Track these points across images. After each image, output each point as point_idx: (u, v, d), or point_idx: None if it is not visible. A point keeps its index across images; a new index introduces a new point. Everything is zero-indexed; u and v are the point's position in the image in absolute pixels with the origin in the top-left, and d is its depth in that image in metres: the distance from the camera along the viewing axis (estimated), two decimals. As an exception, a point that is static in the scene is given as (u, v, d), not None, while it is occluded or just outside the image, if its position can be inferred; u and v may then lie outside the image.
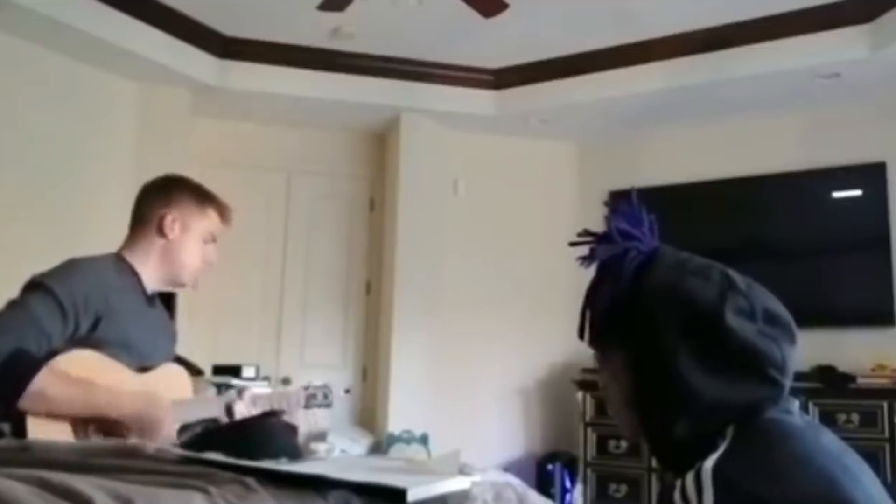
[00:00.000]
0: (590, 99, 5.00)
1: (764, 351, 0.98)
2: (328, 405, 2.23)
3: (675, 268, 1.04)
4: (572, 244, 1.13)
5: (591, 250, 1.10)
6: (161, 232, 2.04)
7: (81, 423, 1.78)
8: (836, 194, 4.79)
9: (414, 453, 4.73)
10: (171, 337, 2.22)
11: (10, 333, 1.72)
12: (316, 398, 2.21)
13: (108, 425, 1.80)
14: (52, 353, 1.77)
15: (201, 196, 2.11)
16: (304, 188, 5.56)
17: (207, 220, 2.10)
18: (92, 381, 1.79)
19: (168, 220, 2.04)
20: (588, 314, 1.11)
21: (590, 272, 1.14)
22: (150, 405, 1.83)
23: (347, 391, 2.56)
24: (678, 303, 1.01)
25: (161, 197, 2.08)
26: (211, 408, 2.02)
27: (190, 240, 2.07)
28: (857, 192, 4.73)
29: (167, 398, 1.89)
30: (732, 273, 1.04)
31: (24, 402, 1.68)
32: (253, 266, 5.24)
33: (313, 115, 5.34)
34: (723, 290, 1.00)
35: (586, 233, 1.12)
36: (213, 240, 2.12)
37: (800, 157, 4.87)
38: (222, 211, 2.13)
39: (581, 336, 1.12)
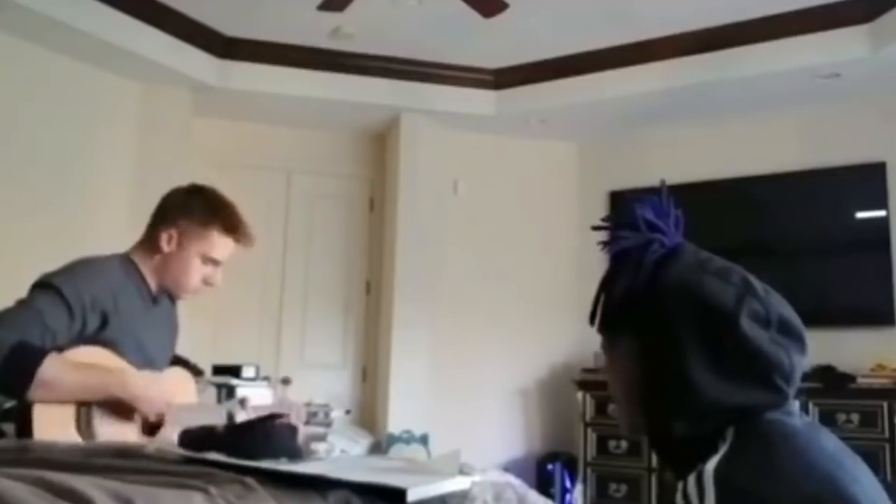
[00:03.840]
0: (590, 99, 5.00)
1: (774, 359, 0.98)
2: (328, 424, 2.24)
3: (695, 266, 1.04)
4: (596, 228, 1.12)
5: (613, 237, 1.09)
6: (158, 246, 2.03)
7: (85, 407, 1.78)
8: (837, 194, 4.79)
9: (414, 453, 4.73)
10: (175, 333, 2.23)
11: (14, 328, 1.73)
12: (317, 416, 2.21)
13: (113, 409, 1.80)
14: (59, 350, 1.78)
15: (208, 216, 2.04)
16: (304, 188, 5.56)
17: (208, 243, 2.03)
18: (100, 364, 1.81)
19: (164, 235, 2.02)
20: (602, 300, 1.11)
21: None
22: (158, 384, 1.87)
23: (349, 412, 2.56)
24: (694, 301, 1.00)
25: (172, 208, 2.06)
26: (212, 415, 2.02)
27: (185, 258, 2.03)
28: (857, 192, 4.73)
29: (170, 382, 1.92)
30: (752, 278, 1.03)
31: (34, 391, 1.69)
32: (253, 266, 5.23)
33: (313, 115, 5.34)
34: (741, 294, 1.00)
35: (609, 218, 1.11)
36: (214, 262, 2.06)
37: (800, 157, 4.87)
38: (232, 233, 2.06)
39: (592, 321, 1.12)
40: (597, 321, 1.11)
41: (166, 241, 2.02)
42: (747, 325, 0.97)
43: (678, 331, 1.00)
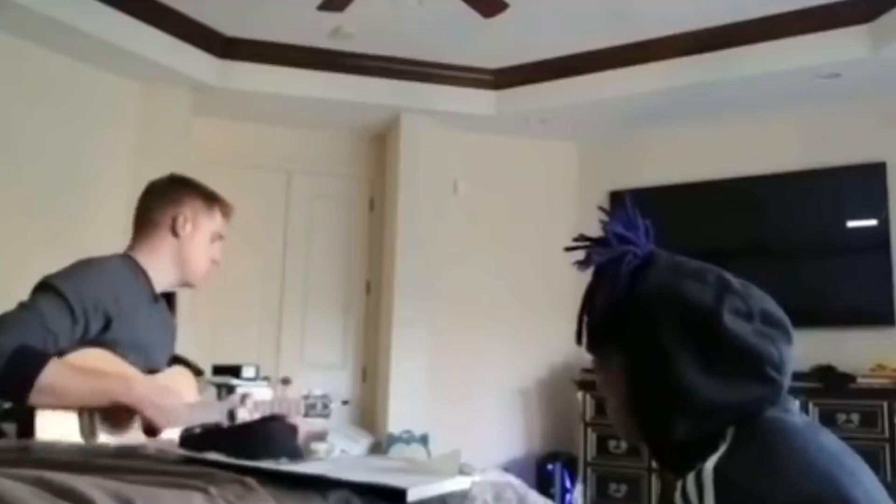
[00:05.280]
0: (590, 99, 5.00)
1: (761, 351, 0.98)
2: (326, 416, 2.24)
3: (671, 271, 1.05)
4: (568, 249, 1.13)
5: (588, 255, 1.10)
6: (174, 232, 2.04)
7: (88, 413, 1.77)
8: (836, 194, 4.78)
9: (414, 453, 4.73)
10: (172, 335, 2.22)
11: (15, 331, 1.71)
12: (315, 408, 2.22)
13: (116, 415, 1.80)
14: (61, 354, 1.77)
15: (208, 196, 2.13)
16: (304, 188, 5.57)
17: (215, 220, 2.12)
18: (102, 370, 1.80)
19: (180, 219, 2.05)
20: (585, 319, 1.12)
21: (589, 271, 1.15)
22: (164, 392, 1.86)
23: (346, 402, 2.58)
24: (675, 305, 1.01)
25: (171, 197, 2.08)
26: (213, 412, 2.02)
27: (200, 240, 2.08)
28: (857, 193, 4.73)
29: (172, 382, 1.92)
30: (728, 275, 1.04)
31: (34, 397, 1.68)
32: (253, 266, 5.24)
33: (313, 115, 5.34)
34: (719, 291, 1.01)
35: (582, 237, 1.12)
36: (220, 238, 2.14)
37: (800, 157, 4.87)
38: (225, 210, 2.15)
39: (579, 341, 1.12)
40: (584, 341, 1.12)
41: (182, 226, 2.05)
42: (730, 321, 0.98)
43: (663, 336, 1.00)
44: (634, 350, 1.04)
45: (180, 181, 2.14)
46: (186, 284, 2.16)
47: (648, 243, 1.10)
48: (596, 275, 1.11)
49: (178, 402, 1.88)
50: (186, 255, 2.06)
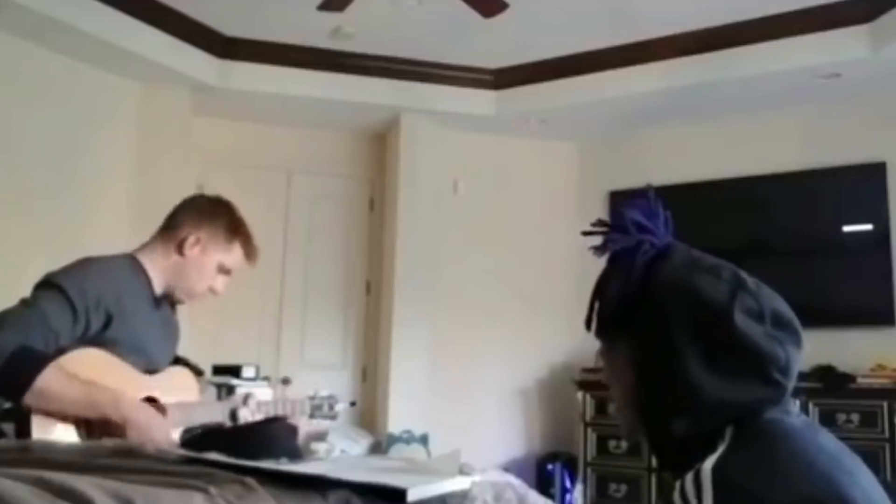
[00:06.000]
0: (590, 99, 5.00)
1: (769, 353, 0.98)
2: (333, 417, 2.22)
3: (687, 264, 1.04)
4: (585, 233, 1.12)
5: (605, 240, 1.09)
6: (180, 248, 2.04)
7: (86, 427, 1.77)
8: (836, 194, 4.78)
9: (414, 453, 4.73)
10: (175, 337, 2.22)
11: (17, 329, 1.71)
12: (321, 409, 2.20)
13: (112, 429, 1.79)
14: (61, 351, 1.77)
15: (234, 229, 2.09)
16: (304, 188, 5.56)
17: (230, 255, 2.09)
18: (96, 382, 1.78)
19: (191, 239, 2.03)
20: (597, 305, 1.11)
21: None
22: (153, 418, 1.82)
23: (353, 403, 2.55)
24: (687, 299, 1.00)
25: (197, 214, 2.07)
26: (215, 412, 2.02)
27: (203, 266, 2.05)
28: (857, 193, 4.73)
29: (167, 413, 1.88)
30: (743, 273, 1.03)
31: (29, 398, 1.68)
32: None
33: (313, 115, 5.34)
34: (733, 289, 1.00)
35: (600, 222, 1.11)
36: (228, 273, 2.11)
37: (800, 157, 4.87)
38: (249, 250, 2.12)
39: (588, 326, 1.12)
40: (593, 326, 1.11)
41: (191, 245, 2.03)
42: (741, 321, 0.98)
43: (673, 330, 1.00)
44: (643, 340, 1.03)
45: (216, 205, 2.12)
46: (175, 300, 2.12)
47: (667, 234, 1.08)
48: (611, 262, 1.10)
49: (163, 423, 1.83)
50: (182, 274, 2.05)
